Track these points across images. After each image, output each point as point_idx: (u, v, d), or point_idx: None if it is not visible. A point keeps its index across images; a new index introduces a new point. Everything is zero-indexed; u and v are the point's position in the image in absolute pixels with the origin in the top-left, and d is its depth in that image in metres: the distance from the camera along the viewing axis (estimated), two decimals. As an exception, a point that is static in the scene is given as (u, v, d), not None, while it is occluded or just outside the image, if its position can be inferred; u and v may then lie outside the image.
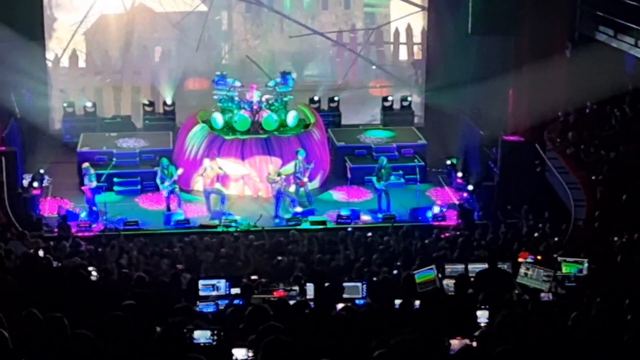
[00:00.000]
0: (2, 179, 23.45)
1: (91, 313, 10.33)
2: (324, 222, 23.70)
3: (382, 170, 24.60)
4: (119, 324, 8.97)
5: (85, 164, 24.72)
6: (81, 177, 24.85)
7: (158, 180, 24.52)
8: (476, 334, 8.65)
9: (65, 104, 29.86)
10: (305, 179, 24.92)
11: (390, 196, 24.61)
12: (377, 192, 24.78)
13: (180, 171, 24.79)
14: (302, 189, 25.04)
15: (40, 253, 17.61)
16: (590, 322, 8.92)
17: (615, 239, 17.88)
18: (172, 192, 24.48)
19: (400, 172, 26.21)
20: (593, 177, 22.72)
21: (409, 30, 33.59)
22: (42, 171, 26.24)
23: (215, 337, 8.91)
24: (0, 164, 23.55)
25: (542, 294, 12.83)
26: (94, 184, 24.16)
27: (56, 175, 26.81)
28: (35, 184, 25.06)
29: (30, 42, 25.79)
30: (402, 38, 33.99)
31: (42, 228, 22.95)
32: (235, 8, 33.91)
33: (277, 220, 23.99)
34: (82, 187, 24.51)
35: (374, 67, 33.97)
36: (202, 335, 8.93)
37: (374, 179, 24.70)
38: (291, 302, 11.32)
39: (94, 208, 24.12)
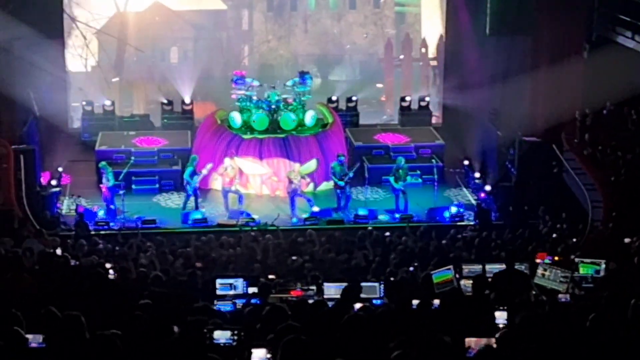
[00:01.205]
0: (21, 177, 23.55)
1: (109, 312, 10.37)
2: (341, 222, 23.70)
3: (400, 171, 24.57)
4: (137, 323, 9.00)
5: (103, 163, 24.80)
6: (99, 175, 24.94)
7: (187, 176, 24.47)
8: (497, 335, 8.65)
9: (84, 103, 29.98)
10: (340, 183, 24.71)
11: (408, 196, 24.59)
12: (395, 192, 24.75)
13: (209, 166, 24.79)
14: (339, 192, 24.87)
15: (58, 251, 17.69)
16: (608, 324, 8.91)
17: (631, 239, 17.83)
18: (196, 189, 24.52)
19: (418, 172, 26.18)
20: (612, 178, 22.65)
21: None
22: (60, 169, 26.35)
23: (235, 337, 8.90)
24: (19, 162, 23.65)
25: (560, 295, 12.79)
26: (111, 182, 24.22)
27: (74, 174, 26.91)
28: (54, 182, 25.17)
29: (49, 41, 25.92)
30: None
31: (59, 226, 23.03)
32: (257, 7, 33.30)
33: (294, 220, 24.00)
34: (100, 185, 24.58)
35: None
36: (222, 336, 8.91)
37: (392, 179, 24.67)
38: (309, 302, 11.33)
39: (112, 206, 24.20)
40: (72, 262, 16.10)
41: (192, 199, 24.53)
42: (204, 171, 24.56)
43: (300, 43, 33.29)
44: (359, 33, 34.35)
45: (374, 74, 33.84)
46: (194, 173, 24.39)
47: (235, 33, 33.15)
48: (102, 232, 22.71)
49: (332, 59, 33.56)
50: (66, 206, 25.17)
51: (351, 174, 24.62)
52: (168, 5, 32.21)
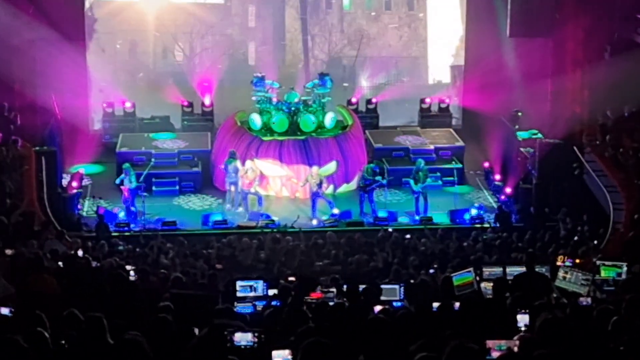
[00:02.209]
0: (42, 178, 23.66)
1: (129, 314, 10.40)
2: (361, 224, 23.70)
3: (420, 173, 24.53)
4: (158, 325, 9.01)
5: (127, 164, 24.87)
6: (120, 175, 24.93)
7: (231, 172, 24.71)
8: (516, 337, 8.62)
9: (104, 104, 30.10)
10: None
11: (428, 198, 24.55)
12: (415, 194, 24.72)
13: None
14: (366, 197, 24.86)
15: (80, 253, 17.77)
16: (630, 327, 8.87)
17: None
18: (234, 183, 24.69)
19: (438, 174, 26.13)
20: (636, 181, 22.54)
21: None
22: (81, 171, 26.45)
23: (256, 340, 8.90)
24: (40, 163, 23.76)
25: (581, 299, 12.73)
26: (133, 184, 24.29)
27: (95, 176, 27.02)
28: (74, 184, 25.28)
29: (70, 43, 26.04)
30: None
31: (81, 228, 23.12)
32: (289, 2, 32.50)
33: (314, 222, 24.00)
34: (122, 187, 24.64)
35: None
36: (243, 338, 8.92)
37: (412, 181, 24.64)
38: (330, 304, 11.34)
39: (132, 208, 24.28)
40: (94, 264, 16.17)
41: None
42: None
43: (336, 43, 32.81)
44: (394, 35, 33.87)
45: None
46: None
47: (240, 30, 32.50)
48: (123, 234, 22.77)
49: (368, 60, 33.16)
50: (87, 208, 25.26)
51: (384, 182, 24.61)
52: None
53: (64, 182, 25.26)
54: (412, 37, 33.96)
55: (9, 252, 15.91)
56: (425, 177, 24.59)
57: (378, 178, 24.53)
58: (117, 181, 24.71)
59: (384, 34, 33.99)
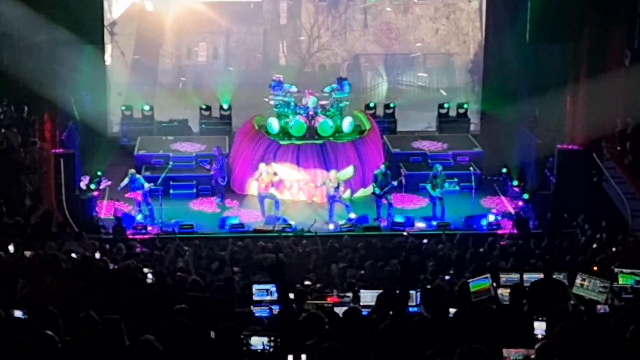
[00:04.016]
0: (60, 180, 23.76)
1: (147, 316, 10.42)
2: (377, 228, 23.66)
3: (437, 178, 24.48)
4: (175, 328, 9.03)
5: (131, 170, 24.82)
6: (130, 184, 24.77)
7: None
8: (536, 346, 8.58)
9: (123, 107, 30.19)
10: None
11: (445, 204, 24.50)
12: (432, 200, 24.66)
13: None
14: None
15: (97, 255, 17.82)
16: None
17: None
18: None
19: (455, 179, 26.07)
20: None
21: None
22: (99, 173, 26.53)
23: (272, 344, 8.88)
24: (59, 166, 23.86)
25: (599, 306, 12.67)
26: (147, 185, 24.28)
27: (113, 178, 27.07)
28: (93, 186, 25.35)
29: (90, 46, 26.16)
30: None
31: (99, 230, 23.18)
32: None
33: (331, 226, 23.98)
34: (131, 194, 24.58)
35: None
36: (259, 342, 8.91)
37: (429, 186, 24.58)
38: (344, 309, 11.33)
39: (147, 208, 24.32)
40: (111, 266, 16.22)
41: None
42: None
43: (358, 39, 31.79)
44: (428, 28, 31.94)
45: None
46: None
47: (271, 27, 31.90)
48: (140, 236, 22.81)
49: (397, 59, 32.10)
50: (105, 210, 25.32)
51: (395, 184, 24.57)
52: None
53: (82, 185, 25.34)
54: (451, 31, 32.34)
55: (27, 253, 15.96)
56: (443, 182, 24.54)
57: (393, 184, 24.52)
58: (119, 188, 24.71)
59: (415, 28, 32.20)
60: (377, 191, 24.45)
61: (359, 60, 32.14)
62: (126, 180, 24.35)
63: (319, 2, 31.42)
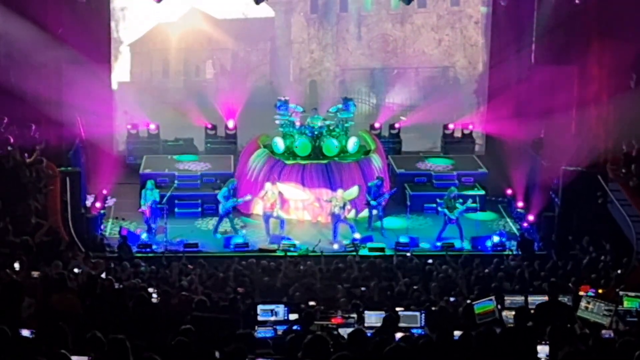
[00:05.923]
0: (66, 199, 23.79)
1: (153, 335, 10.43)
2: (382, 249, 23.66)
3: (453, 201, 24.45)
4: (180, 348, 9.04)
5: (151, 181, 25.03)
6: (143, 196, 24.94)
7: (220, 197, 24.68)
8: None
9: (129, 126, 30.27)
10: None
11: (457, 225, 24.48)
12: (450, 222, 24.49)
13: (248, 197, 25.17)
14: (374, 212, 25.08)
15: (103, 274, 17.82)
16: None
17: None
18: (228, 212, 24.70)
19: (460, 200, 26.06)
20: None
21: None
22: (105, 192, 26.57)
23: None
24: (65, 184, 23.89)
25: (604, 331, 12.66)
26: (156, 196, 24.42)
27: (119, 196, 27.15)
28: (98, 205, 25.40)
29: (97, 65, 26.26)
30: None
31: (104, 249, 23.21)
32: (298, 6, 30.03)
33: (336, 246, 23.99)
34: (142, 209, 24.69)
35: None
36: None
37: (446, 210, 24.49)
38: (349, 330, 11.34)
39: (153, 225, 24.36)
40: (116, 285, 16.22)
41: (225, 221, 24.75)
42: (241, 200, 24.92)
43: (351, 54, 30.75)
44: (429, 39, 30.60)
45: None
46: (228, 195, 24.63)
47: (282, 43, 31.04)
48: (145, 255, 22.83)
49: (390, 77, 31.22)
50: (110, 228, 25.37)
51: (387, 196, 24.71)
52: (206, 12, 30.45)
53: (88, 203, 25.39)
54: (456, 42, 31.06)
55: (35, 274, 15.99)
56: (455, 203, 24.49)
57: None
58: (143, 203, 24.79)
59: (415, 40, 31.06)
60: (373, 203, 24.79)
61: (347, 76, 31.13)
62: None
63: (310, 15, 29.91)
